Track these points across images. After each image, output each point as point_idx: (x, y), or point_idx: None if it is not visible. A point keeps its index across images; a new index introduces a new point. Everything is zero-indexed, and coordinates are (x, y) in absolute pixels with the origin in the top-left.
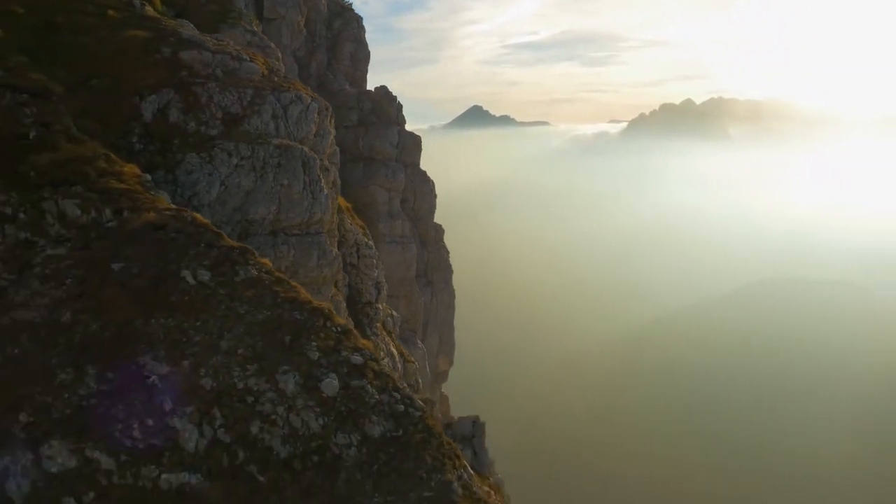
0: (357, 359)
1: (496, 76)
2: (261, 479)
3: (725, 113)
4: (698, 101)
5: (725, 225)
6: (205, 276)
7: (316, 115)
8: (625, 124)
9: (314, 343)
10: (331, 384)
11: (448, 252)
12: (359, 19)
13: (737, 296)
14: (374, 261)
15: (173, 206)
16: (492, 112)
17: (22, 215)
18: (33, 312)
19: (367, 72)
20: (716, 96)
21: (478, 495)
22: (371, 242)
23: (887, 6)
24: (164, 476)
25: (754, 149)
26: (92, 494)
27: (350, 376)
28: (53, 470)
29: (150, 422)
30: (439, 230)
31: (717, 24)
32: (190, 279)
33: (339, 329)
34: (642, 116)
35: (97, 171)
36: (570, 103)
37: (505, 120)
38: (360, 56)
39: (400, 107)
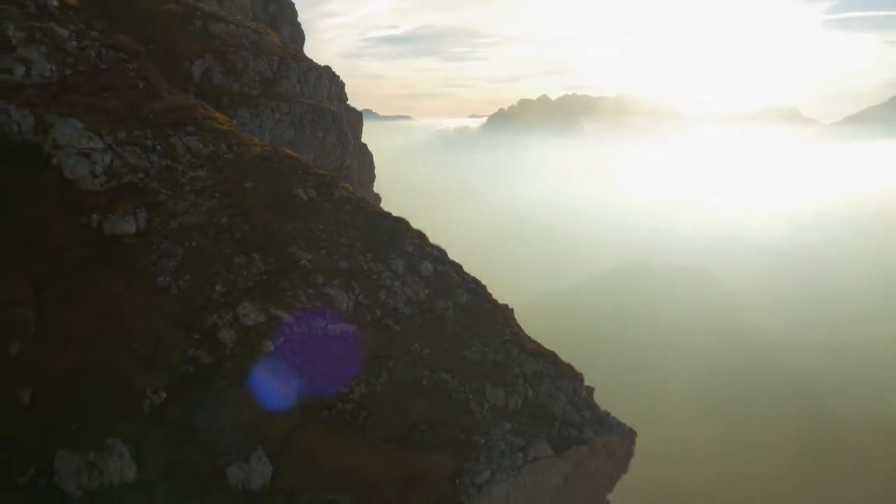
0: (436, 252)
1: (357, 69)
2: (396, 328)
3: (579, 108)
4: (554, 97)
5: (580, 216)
6: (312, 193)
7: (327, 81)
8: (485, 119)
9: (406, 240)
10: (427, 267)
11: None
12: (292, 4)
13: (592, 284)
14: None
15: (266, 144)
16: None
17: (159, 147)
18: (196, 218)
19: (303, 53)
20: (570, 92)
21: (536, 341)
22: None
23: (729, 8)
24: (330, 326)
25: (606, 142)
26: (282, 339)
27: (435, 263)
28: (249, 323)
29: (310, 290)
30: (378, 198)
31: (573, 22)
32: (303, 195)
33: (417, 233)
34: (501, 111)
35: (201, 115)
36: (432, 98)
37: (367, 114)
38: (298, 38)
39: (342, 85)
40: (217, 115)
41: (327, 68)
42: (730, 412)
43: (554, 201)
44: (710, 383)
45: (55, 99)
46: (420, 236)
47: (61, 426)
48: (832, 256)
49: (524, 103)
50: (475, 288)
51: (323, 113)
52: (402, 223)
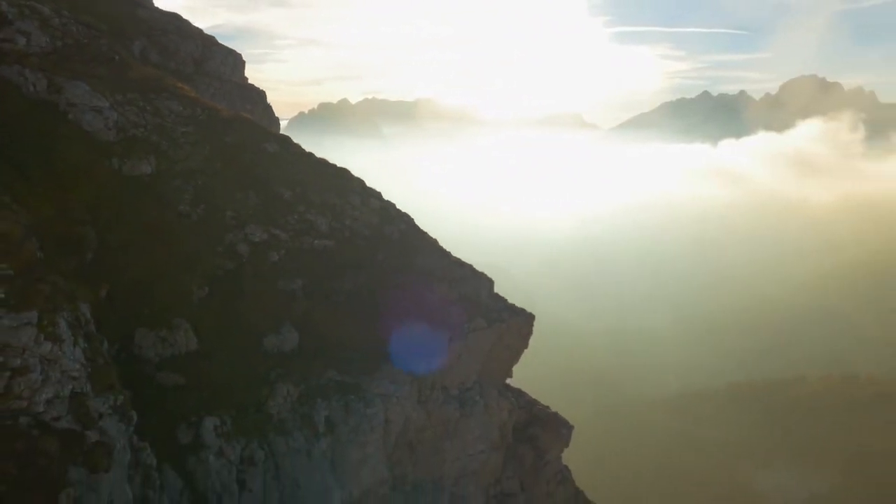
0: (377, 192)
1: None
2: (362, 244)
3: (379, 112)
4: (354, 101)
5: None
6: (276, 147)
7: (240, 63)
8: (285, 122)
9: (353, 183)
10: (375, 202)
11: None
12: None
13: None
14: None
15: (228, 109)
16: None
17: (149, 108)
18: (195, 163)
19: None
20: (370, 97)
21: (457, 257)
22: None
23: (521, 20)
24: (315, 241)
25: (406, 146)
26: (283, 251)
27: (379, 200)
28: (256, 240)
29: (297, 216)
30: None
31: (369, 27)
32: (270, 149)
33: (358, 179)
34: (302, 115)
35: (172, 85)
36: None
37: None
38: None
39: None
40: (181, 85)
41: (238, 54)
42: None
43: None
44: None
45: (59, 65)
46: (361, 181)
47: (136, 312)
48: (614, 251)
49: (324, 107)
50: (408, 219)
51: (248, 90)
52: (345, 170)
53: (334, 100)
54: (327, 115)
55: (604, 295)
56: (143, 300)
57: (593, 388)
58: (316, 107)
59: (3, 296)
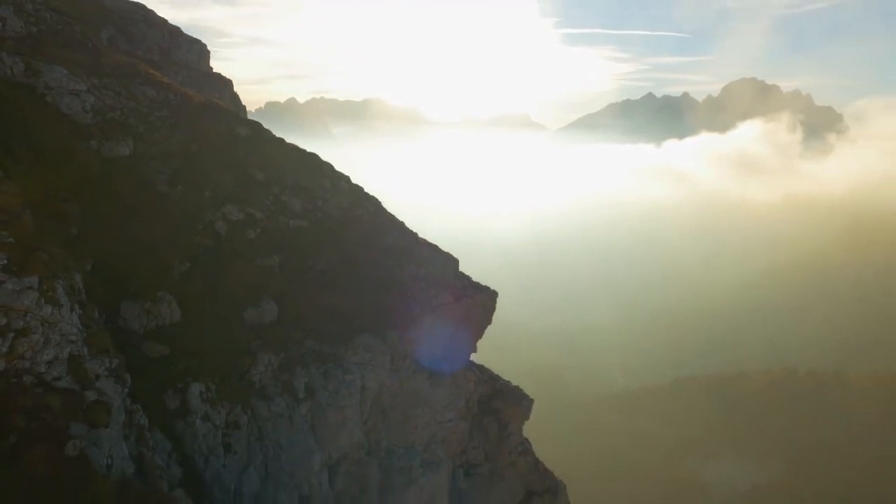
0: (346, 176)
1: None
2: (334, 224)
3: (327, 112)
4: (302, 100)
5: None
6: (248, 131)
7: (205, 53)
8: None
9: (325, 169)
10: (345, 185)
11: None
12: None
13: None
14: None
15: (199, 95)
16: None
17: (124, 92)
18: (171, 146)
19: None
20: (318, 96)
21: (424, 238)
22: None
23: (475, 17)
24: (290, 221)
25: (356, 146)
26: (259, 230)
27: (348, 183)
28: (234, 219)
29: (271, 197)
30: None
31: (317, 26)
32: (242, 132)
33: (327, 163)
34: (249, 114)
35: (145, 71)
36: None
37: None
38: None
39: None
40: (154, 71)
41: (203, 44)
42: None
43: None
44: None
45: (36, 50)
46: (330, 165)
47: (119, 286)
48: (562, 249)
49: (272, 106)
50: (376, 202)
51: (215, 79)
52: (315, 155)
53: (282, 99)
54: (275, 114)
55: (551, 293)
56: (126, 275)
57: (541, 386)
58: (263, 106)
59: (5, 262)
